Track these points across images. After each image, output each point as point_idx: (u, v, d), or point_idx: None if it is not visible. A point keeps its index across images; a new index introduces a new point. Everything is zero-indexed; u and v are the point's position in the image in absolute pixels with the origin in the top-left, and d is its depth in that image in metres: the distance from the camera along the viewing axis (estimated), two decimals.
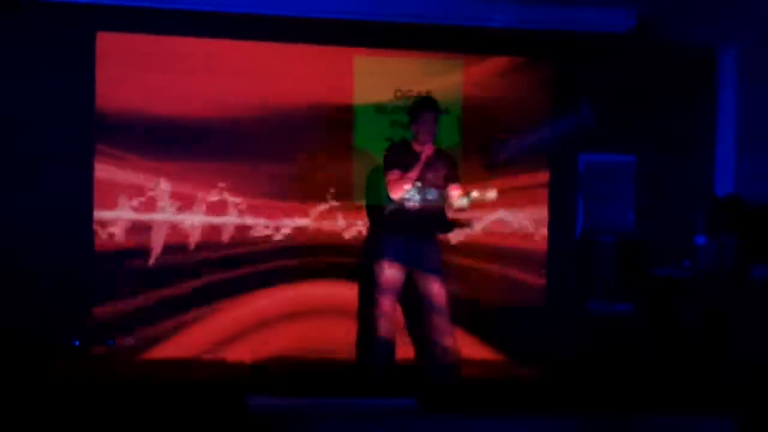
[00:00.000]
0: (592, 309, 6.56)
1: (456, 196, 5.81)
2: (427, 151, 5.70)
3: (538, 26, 6.75)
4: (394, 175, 5.73)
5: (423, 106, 5.85)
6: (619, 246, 6.76)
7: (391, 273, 5.77)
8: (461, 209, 5.91)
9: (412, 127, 5.86)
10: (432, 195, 5.80)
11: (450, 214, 6.11)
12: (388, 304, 5.79)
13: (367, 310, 6.05)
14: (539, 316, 6.82)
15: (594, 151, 6.95)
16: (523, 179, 6.89)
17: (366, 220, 6.60)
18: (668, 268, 6.08)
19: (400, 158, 5.77)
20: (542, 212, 6.91)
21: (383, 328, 5.77)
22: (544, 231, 6.89)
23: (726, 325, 5.69)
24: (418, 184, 5.73)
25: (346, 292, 6.57)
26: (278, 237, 6.59)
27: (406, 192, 5.71)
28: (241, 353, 6.48)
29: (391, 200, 5.80)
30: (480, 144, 6.80)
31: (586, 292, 6.70)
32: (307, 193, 6.62)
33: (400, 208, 5.77)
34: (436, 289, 5.78)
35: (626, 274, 6.41)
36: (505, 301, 6.81)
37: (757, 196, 6.43)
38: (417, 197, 5.76)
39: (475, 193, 5.70)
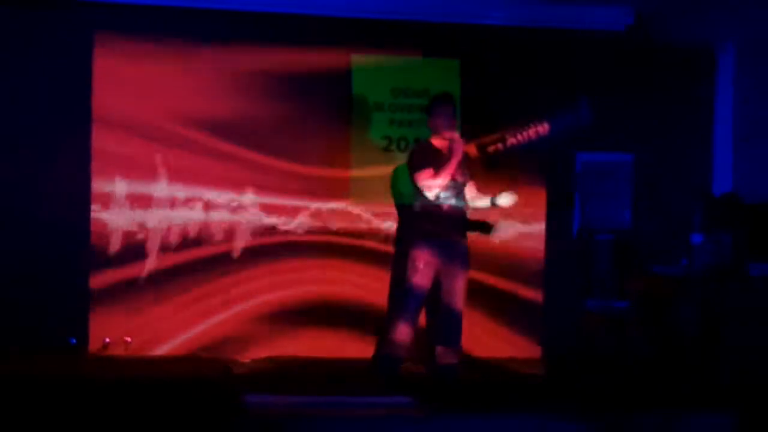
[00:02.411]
0: (589, 307, 6.57)
1: (474, 194, 5.86)
2: (460, 145, 5.67)
3: (535, 24, 6.75)
4: (428, 172, 5.69)
5: (442, 100, 5.85)
6: (616, 244, 6.76)
7: (423, 278, 5.73)
8: (482, 208, 5.91)
9: (430, 122, 5.84)
10: (462, 195, 5.81)
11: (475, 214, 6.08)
12: (413, 311, 5.76)
13: (393, 310, 6.03)
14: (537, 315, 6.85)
15: (591, 149, 6.95)
16: (521, 177, 6.88)
17: (372, 220, 6.64)
18: (666, 266, 6.08)
19: (430, 156, 5.75)
20: (540, 210, 6.90)
21: (405, 331, 5.73)
22: (542, 229, 6.90)
23: (723, 323, 5.70)
24: (452, 183, 5.71)
25: (351, 291, 6.62)
26: (277, 235, 6.59)
27: (441, 189, 5.68)
28: (239, 351, 6.48)
29: (422, 199, 5.75)
30: (477, 142, 6.80)
31: (584, 291, 6.71)
32: (304, 192, 6.61)
33: (438, 208, 5.73)
34: (459, 290, 5.76)
35: (624, 273, 6.41)
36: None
37: (755, 194, 6.43)
38: (453, 198, 5.74)
39: (502, 200, 5.78)
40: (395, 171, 6.58)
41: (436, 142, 5.83)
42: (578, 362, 6.52)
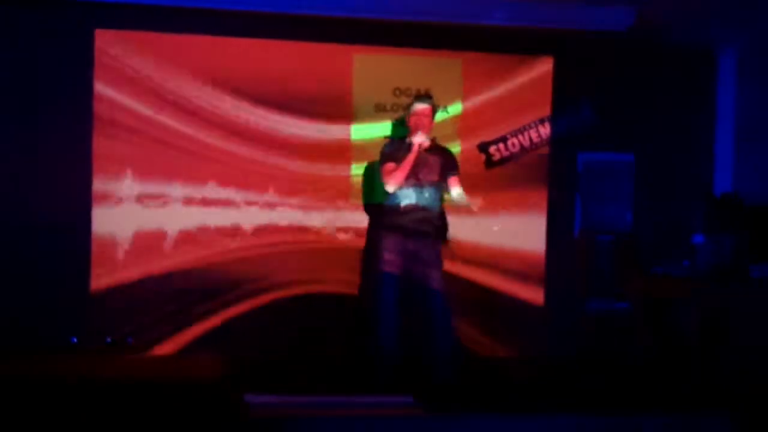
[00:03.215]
0: (591, 308, 6.57)
1: (454, 189, 5.82)
2: (417, 139, 5.71)
3: (537, 24, 6.73)
4: (389, 167, 5.75)
5: (416, 99, 5.91)
6: (617, 245, 6.77)
7: (389, 270, 5.76)
8: (457, 204, 5.89)
9: (406, 120, 5.88)
10: (427, 193, 5.79)
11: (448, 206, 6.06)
12: (389, 300, 5.76)
13: (369, 309, 6.04)
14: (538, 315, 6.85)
15: (593, 150, 6.95)
16: (522, 177, 6.88)
17: (367, 217, 6.62)
18: (667, 267, 6.08)
19: (396, 151, 5.80)
20: (541, 211, 6.90)
21: (386, 325, 5.75)
22: (543, 229, 6.90)
23: (724, 324, 5.70)
24: (412, 181, 5.72)
25: (347, 290, 6.61)
26: (277, 235, 6.59)
27: (400, 185, 5.70)
28: (240, 351, 6.47)
29: (388, 198, 5.80)
30: (479, 142, 6.81)
31: (585, 291, 6.71)
32: (305, 192, 6.61)
33: (397, 206, 5.77)
34: (434, 286, 5.76)
35: (625, 273, 6.41)
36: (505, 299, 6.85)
37: (756, 195, 6.44)
38: (413, 196, 5.75)
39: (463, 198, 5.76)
40: (366, 169, 6.59)
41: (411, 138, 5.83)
42: (579, 363, 6.53)
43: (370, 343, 5.91)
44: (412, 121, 5.84)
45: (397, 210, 5.78)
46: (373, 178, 6.39)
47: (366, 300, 6.32)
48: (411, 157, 5.70)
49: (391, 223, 5.81)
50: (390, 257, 5.76)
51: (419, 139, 5.72)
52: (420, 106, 5.83)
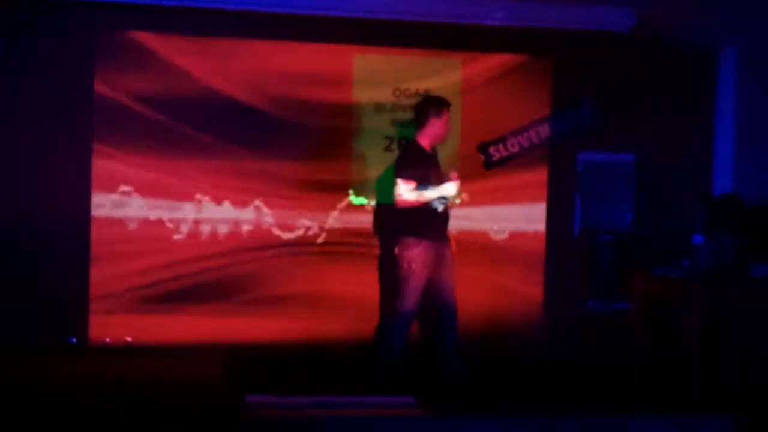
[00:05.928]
0: (591, 308, 6.57)
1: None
2: (455, 180, 5.60)
3: (537, 24, 6.72)
4: (409, 184, 5.57)
5: (445, 104, 5.75)
6: (617, 245, 6.76)
7: (419, 279, 5.66)
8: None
9: (435, 126, 5.72)
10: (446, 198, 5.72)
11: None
12: (412, 310, 5.69)
13: (389, 312, 5.93)
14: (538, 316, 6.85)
15: (593, 150, 6.95)
16: (522, 178, 6.89)
17: (377, 220, 6.58)
18: (667, 268, 6.08)
19: (418, 164, 5.63)
20: (541, 211, 6.90)
21: (402, 334, 5.70)
22: (543, 230, 6.90)
23: (725, 324, 5.70)
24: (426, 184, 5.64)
25: (348, 289, 6.60)
26: (277, 236, 6.59)
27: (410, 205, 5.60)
28: (239, 351, 6.47)
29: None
30: (478, 142, 6.81)
31: (585, 292, 6.71)
32: (305, 192, 6.61)
33: (428, 211, 5.64)
34: (451, 288, 5.74)
35: (625, 274, 6.41)
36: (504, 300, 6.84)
37: (755, 196, 6.44)
38: (441, 203, 5.66)
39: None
40: (388, 171, 6.56)
41: (424, 142, 5.75)
42: (578, 363, 6.53)
43: (382, 351, 5.85)
44: (442, 127, 5.70)
45: (430, 215, 5.64)
46: (389, 179, 6.34)
47: (386, 308, 6.21)
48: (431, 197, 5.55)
49: (425, 230, 5.65)
50: (420, 265, 5.63)
51: (456, 181, 5.60)
52: (447, 111, 5.71)
